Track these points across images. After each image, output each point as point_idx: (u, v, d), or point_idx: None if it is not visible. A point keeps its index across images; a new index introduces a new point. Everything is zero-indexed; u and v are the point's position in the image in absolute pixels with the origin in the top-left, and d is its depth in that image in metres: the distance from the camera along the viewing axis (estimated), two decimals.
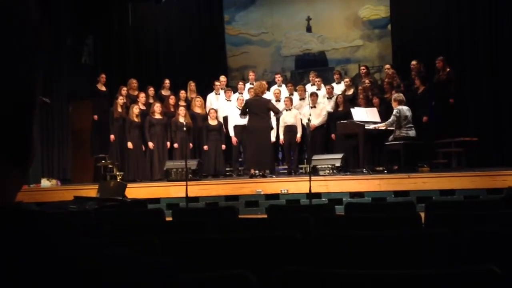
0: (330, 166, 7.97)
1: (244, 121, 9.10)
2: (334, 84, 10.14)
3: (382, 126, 8.25)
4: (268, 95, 9.81)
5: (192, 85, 10.20)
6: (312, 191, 6.51)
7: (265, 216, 4.13)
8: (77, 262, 0.48)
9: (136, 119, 9.27)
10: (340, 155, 8.25)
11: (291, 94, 9.89)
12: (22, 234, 0.47)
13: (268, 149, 8.32)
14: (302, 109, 9.47)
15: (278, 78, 10.40)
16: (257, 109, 8.13)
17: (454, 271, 1.44)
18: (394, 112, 8.06)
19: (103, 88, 10.07)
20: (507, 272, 1.41)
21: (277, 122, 9.39)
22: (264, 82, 9.07)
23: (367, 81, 9.58)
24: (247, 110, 8.28)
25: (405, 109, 8.06)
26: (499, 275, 1.37)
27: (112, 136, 9.33)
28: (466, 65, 9.82)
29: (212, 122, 9.49)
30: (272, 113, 8.54)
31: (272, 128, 8.93)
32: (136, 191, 7.53)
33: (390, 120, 8.10)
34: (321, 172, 7.92)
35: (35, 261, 0.46)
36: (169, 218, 4.19)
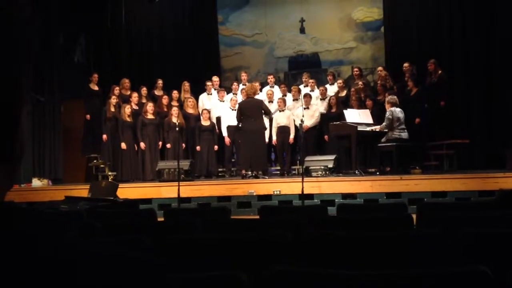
0: (322, 167, 7.98)
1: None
2: (327, 86, 10.16)
3: (377, 128, 8.28)
4: (261, 96, 9.82)
5: (186, 85, 10.16)
6: (305, 192, 6.52)
7: (258, 217, 4.12)
8: (59, 257, 0.47)
9: (128, 119, 9.23)
10: (332, 157, 8.26)
11: (284, 95, 9.90)
12: (6, 230, 0.46)
13: (262, 150, 8.33)
14: (295, 110, 9.48)
15: (271, 79, 10.40)
16: (251, 111, 8.12)
17: (445, 272, 1.45)
18: (387, 114, 8.09)
19: (96, 88, 10.03)
20: (498, 273, 1.42)
21: (270, 123, 9.39)
22: (255, 84, 9.07)
23: (360, 82, 9.61)
24: (241, 113, 8.25)
25: (397, 110, 8.10)
26: (490, 276, 1.37)
27: (104, 136, 9.28)
28: (457, 68, 9.88)
29: (205, 122, 9.47)
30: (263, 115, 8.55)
31: (266, 129, 8.93)
32: (127, 191, 7.50)
33: (384, 124, 8.12)
34: (313, 173, 7.92)
35: (17, 256, 0.45)
36: (160, 219, 4.17)
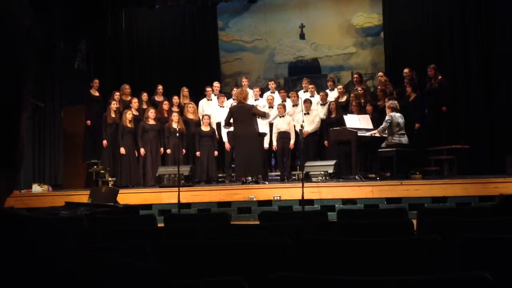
0: (322, 172, 7.98)
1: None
2: (328, 91, 10.18)
3: (375, 132, 8.29)
4: (262, 102, 9.83)
5: (185, 91, 10.19)
6: (305, 198, 6.51)
7: (258, 222, 4.11)
8: (59, 263, 0.47)
9: (129, 125, 9.24)
10: (332, 162, 8.26)
11: (284, 100, 9.91)
12: (6, 236, 0.46)
13: (257, 155, 8.24)
14: (295, 115, 9.49)
15: (272, 84, 10.43)
16: (242, 116, 8.06)
17: (446, 278, 1.44)
18: (386, 118, 8.11)
19: (96, 93, 10.04)
20: (499, 278, 1.42)
21: (270, 128, 9.40)
22: (244, 88, 9.09)
23: (360, 88, 9.62)
24: (232, 118, 8.22)
25: (397, 116, 8.11)
26: (491, 281, 1.37)
27: (104, 142, 9.29)
28: (458, 73, 9.89)
29: (205, 128, 9.48)
30: (259, 119, 8.54)
31: (265, 134, 8.93)
32: (128, 197, 7.49)
33: (382, 126, 8.14)
34: (313, 179, 7.92)
35: (16, 262, 0.45)
36: (161, 224, 4.17)
